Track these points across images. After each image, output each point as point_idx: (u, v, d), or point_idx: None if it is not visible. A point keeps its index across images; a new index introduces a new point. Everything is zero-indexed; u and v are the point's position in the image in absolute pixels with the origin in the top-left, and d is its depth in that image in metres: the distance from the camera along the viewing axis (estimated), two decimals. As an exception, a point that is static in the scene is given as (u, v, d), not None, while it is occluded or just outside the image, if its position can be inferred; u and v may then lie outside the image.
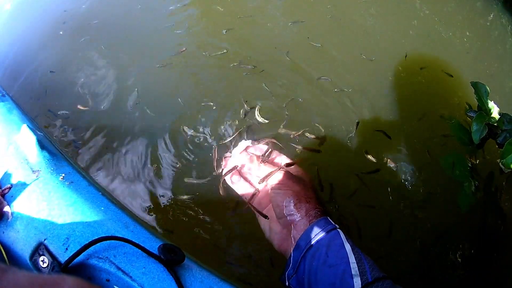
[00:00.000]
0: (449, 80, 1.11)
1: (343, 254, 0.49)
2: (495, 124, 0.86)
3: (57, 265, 0.45)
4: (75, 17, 1.36)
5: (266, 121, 0.94)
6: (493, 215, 0.88)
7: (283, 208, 0.56)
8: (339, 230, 0.53)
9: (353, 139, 0.94)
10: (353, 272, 0.47)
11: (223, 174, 0.67)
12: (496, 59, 1.23)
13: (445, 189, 0.89)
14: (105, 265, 0.46)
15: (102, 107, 1.05)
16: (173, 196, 0.85)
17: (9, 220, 0.51)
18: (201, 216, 0.81)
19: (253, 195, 0.62)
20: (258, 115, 0.94)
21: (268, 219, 0.59)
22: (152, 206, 0.84)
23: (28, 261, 0.47)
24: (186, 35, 1.26)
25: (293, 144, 0.89)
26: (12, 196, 0.54)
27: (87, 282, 0.31)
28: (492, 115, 0.88)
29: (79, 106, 1.06)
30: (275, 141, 0.79)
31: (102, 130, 0.99)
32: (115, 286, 0.46)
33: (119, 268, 0.46)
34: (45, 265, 0.46)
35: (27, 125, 0.63)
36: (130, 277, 0.45)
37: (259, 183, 0.62)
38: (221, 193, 0.72)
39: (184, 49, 1.18)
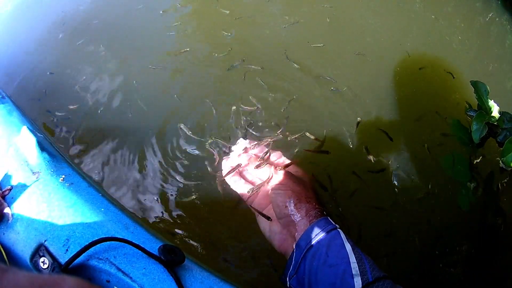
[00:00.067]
0: (449, 79, 1.11)
1: (344, 254, 0.49)
2: (495, 123, 0.86)
3: (57, 266, 0.45)
4: (74, 18, 1.36)
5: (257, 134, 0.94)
6: (493, 215, 0.88)
7: (283, 208, 0.56)
8: (339, 230, 0.53)
9: (353, 138, 0.94)
10: (353, 272, 0.47)
11: (223, 174, 0.67)
12: (496, 58, 1.23)
13: (445, 189, 0.89)
14: (106, 266, 0.46)
15: (102, 107, 1.05)
16: (173, 197, 0.85)
17: (9, 221, 0.52)
18: (201, 217, 0.81)
19: (252, 195, 0.62)
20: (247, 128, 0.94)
21: (270, 220, 0.59)
22: (152, 206, 0.84)
23: (29, 262, 0.47)
24: (186, 35, 1.27)
25: (294, 145, 0.89)
26: (12, 198, 0.54)
27: (88, 282, 0.31)
28: (492, 114, 0.88)
29: (78, 106, 1.06)
30: (275, 140, 0.79)
31: (102, 131, 0.99)
32: (115, 287, 0.46)
33: (119, 269, 0.46)
34: (45, 266, 0.46)
35: (27, 127, 0.63)
36: (130, 278, 0.45)
37: (253, 191, 0.62)
38: (221, 193, 0.72)
39: (186, 49, 1.18)
